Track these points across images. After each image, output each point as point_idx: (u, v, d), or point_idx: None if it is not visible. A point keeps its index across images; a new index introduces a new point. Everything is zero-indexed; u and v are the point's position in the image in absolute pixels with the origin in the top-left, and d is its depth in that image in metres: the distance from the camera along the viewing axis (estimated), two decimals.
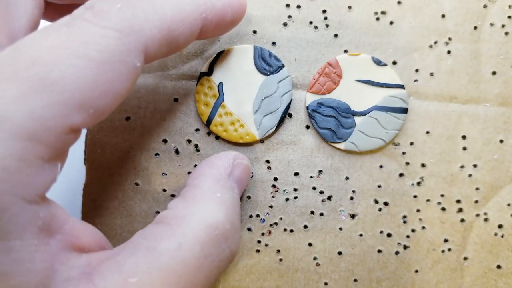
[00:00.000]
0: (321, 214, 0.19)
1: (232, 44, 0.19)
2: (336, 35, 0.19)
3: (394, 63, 0.19)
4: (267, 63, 0.19)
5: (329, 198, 0.19)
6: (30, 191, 0.11)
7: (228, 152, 0.17)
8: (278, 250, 0.19)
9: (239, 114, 0.19)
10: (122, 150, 0.19)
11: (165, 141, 0.19)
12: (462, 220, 0.19)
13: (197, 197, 0.15)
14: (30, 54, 0.11)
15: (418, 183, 0.19)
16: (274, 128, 0.19)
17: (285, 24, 0.19)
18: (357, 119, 0.19)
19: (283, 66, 0.19)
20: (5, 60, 0.11)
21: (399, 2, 0.19)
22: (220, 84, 0.19)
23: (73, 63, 0.11)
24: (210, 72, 0.19)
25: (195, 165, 0.19)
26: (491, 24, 0.19)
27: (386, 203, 0.19)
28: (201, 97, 0.19)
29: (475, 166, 0.19)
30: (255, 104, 0.19)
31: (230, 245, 0.14)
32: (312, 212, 0.19)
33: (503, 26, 0.19)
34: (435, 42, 0.19)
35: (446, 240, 0.19)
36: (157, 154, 0.19)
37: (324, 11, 0.19)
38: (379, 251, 0.19)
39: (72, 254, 0.13)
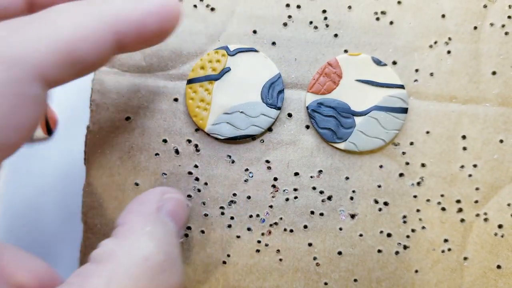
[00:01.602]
0: (321, 214, 0.19)
1: (231, 44, 0.19)
2: (336, 35, 0.19)
3: (394, 63, 0.19)
4: (271, 94, 0.19)
5: (329, 198, 0.19)
6: None
7: (155, 188, 0.17)
8: (278, 250, 0.19)
9: (214, 101, 0.19)
10: (122, 150, 0.19)
11: (165, 141, 0.19)
12: (462, 220, 0.19)
13: (126, 233, 0.14)
14: None
15: (418, 183, 0.19)
16: (221, 138, 0.19)
17: (285, 24, 0.19)
18: (357, 119, 0.19)
19: (278, 109, 0.19)
20: None
21: (399, 2, 0.19)
22: (227, 68, 0.19)
23: None
24: (233, 53, 0.19)
25: (195, 165, 0.19)
26: (491, 24, 0.19)
27: (386, 203, 0.19)
28: (206, 60, 0.19)
29: (475, 166, 0.19)
30: (231, 108, 0.19)
31: (169, 276, 0.13)
32: (312, 212, 0.19)
33: (503, 26, 0.19)
34: (435, 42, 0.19)
35: (446, 240, 0.19)
36: (157, 154, 0.19)
37: (324, 11, 0.19)
38: (379, 251, 0.19)
39: None
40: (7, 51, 0.11)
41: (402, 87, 0.19)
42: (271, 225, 0.19)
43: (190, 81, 0.19)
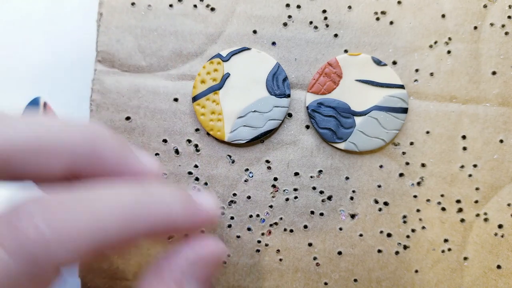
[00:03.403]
0: (321, 214, 0.19)
1: (231, 45, 0.19)
2: (336, 35, 0.19)
3: (394, 63, 0.19)
4: (277, 84, 0.19)
5: (329, 198, 0.19)
6: None
7: (176, 253, 0.13)
8: (278, 250, 0.19)
9: (225, 109, 0.19)
10: None
11: (165, 141, 0.19)
12: (462, 220, 0.19)
13: None
14: None
15: (418, 183, 0.19)
16: (243, 142, 0.19)
17: (285, 24, 0.19)
18: (357, 119, 0.19)
19: (288, 96, 0.19)
20: None
21: (399, 2, 0.19)
22: (227, 74, 0.19)
23: None
24: (226, 58, 0.19)
25: (195, 165, 0.19)
26: (491, 24, 0.19)
27: (386, 203, 0.19)
28: (204, 73, 0.19)
29: (475, 166, 0.19)
30: (243, 110, 0.19)
31: None
32: (312, 212, 0.19)
33: (503, 26, 0.19)
34: (435, 42, 0.19)
35: (446, 240, 0.19)
36: (157, 154, 0.19)
37: (324, 11, 0.19)
38: (379, 251, 0.19)
39: None
40: (42, 250, 0.10)
41: (402, 87, 0.19)
42: (271, 225, 0.19)
43: (195, 98, 0.19)
